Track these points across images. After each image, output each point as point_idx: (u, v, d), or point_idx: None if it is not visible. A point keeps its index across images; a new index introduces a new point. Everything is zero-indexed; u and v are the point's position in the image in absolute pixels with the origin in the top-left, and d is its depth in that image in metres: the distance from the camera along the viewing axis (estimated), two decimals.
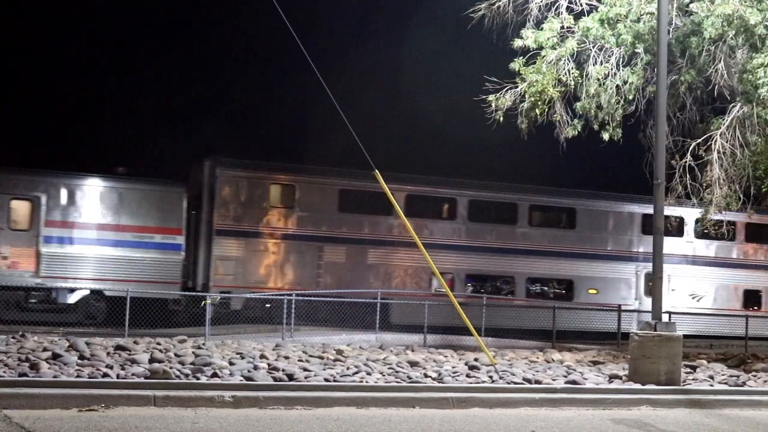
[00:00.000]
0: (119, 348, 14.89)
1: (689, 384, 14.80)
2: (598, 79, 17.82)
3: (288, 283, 26.71)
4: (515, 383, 13.51)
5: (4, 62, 49.98)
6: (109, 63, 51.81)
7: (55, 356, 13.11)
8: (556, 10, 17.91)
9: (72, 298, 25.08)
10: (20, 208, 25.14)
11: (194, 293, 24.27)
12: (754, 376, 16.25)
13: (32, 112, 47.29)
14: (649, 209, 29.25)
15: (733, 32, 16.69)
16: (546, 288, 30.36)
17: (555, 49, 17.72)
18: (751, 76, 16.68)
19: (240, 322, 24.26)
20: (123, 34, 49.85)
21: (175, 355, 14.27)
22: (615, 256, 30.34)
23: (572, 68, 17.86)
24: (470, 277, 29.58)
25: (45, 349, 14.14)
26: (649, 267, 26.79)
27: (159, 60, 51.30)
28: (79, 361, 12.84)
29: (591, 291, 29.87)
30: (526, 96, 17.79)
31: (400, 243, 27.51)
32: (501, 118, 18.04)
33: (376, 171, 14.25)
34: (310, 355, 15.73)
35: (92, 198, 25.71)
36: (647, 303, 27.98)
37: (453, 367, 14.86)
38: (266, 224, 27.05)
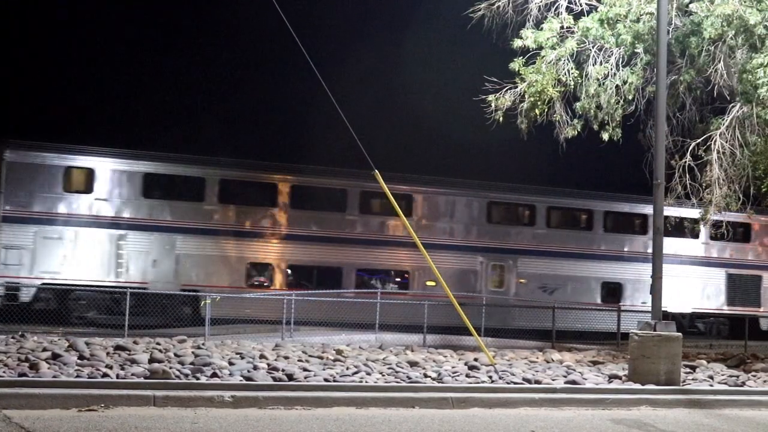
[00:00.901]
0: (119, 348, 14.90)
1: (689, 384, 14.79)
2: (598, 79, 17.83)
3: (83, 274, 25.19)
4: (515, 383, 13.50)
5: None
6: (99, 61, 51.78)
7: (55, 356, 13.12)
8: (555, 10, 17.93)
9: None
10: None
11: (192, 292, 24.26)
12: (754, 376, 16.25)
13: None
14: (503, 197, 29.33)
15: (733, 32, 16.70)
16: (379, 279, 28.57)
17: (555, 49, 17.74)
18: (750, 76, 16.69)
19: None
20: (120, 32, 49.90)
21: (175, 355, 14.27)
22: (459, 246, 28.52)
23: (572, 68, 17.88)
24: (294, 268, 27.72)
25: (45, 349, 14.15)
26: None
27: (158, 59, 51.33)
28: (79, 361, 12.84)
29: (429, 283, 27.95)
30: (526, 96, 17.80)
31: (215, 232, 26.34)
32: (501, 118, 18.06)
33: (376, 171, 14.23)
34: (310, 355, 15.73)
35: None
36: (492, 294, 27.74)
37: (452, 367, 14.86)
38: (61, 210, 25.41)
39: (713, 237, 27.22)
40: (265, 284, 26.95)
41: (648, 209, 28.78)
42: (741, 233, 30.75)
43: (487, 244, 28.99)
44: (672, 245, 27.51)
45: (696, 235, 30.26)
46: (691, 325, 30.68)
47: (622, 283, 30.14)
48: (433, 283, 27.61)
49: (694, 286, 30.82)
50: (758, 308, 30.78)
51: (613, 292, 30.13)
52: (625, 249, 30.37)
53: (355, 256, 27.74)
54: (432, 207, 28.76)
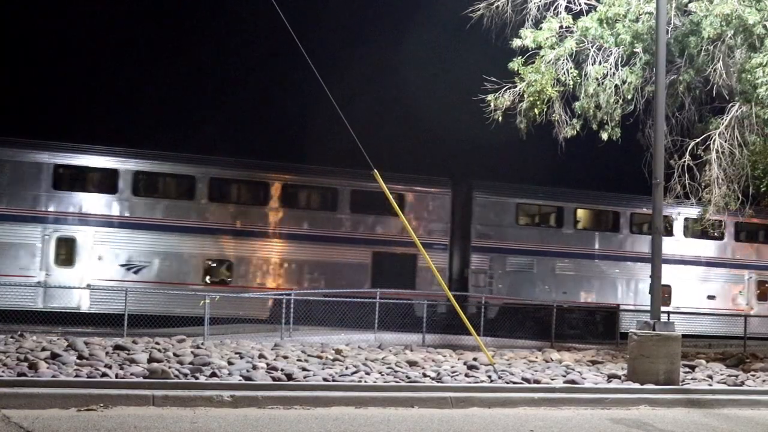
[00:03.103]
0: (118, 348, 14.89)
1: (688, 383, 14.80)
2: (597, 79, 17.83)
3: None
4: (514, 383, 13.50)
5: None
6: (98, 60, 51.76)
7: (54, 356, 13.12)
8: (554, 9, 17.93)
9: None
10: None
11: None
12: (753, 375, 16.26)
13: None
14: (81, 159, 26.21)
15: (732, 32, 16.71)
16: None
17: (554, 48, 17.73)
18: (749, 76, 16.70)
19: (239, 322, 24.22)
20: (119, 31, 49.87)
21: (174, 354, 14.26)
22: (12, 215, 25.47)
23: (571, 68, 17.88)
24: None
25: (44, 349, 14.15)
26: (63, 229, 25.46)
27: (157, 59, 51.30)
28: (78, 361, 12.84)
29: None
30: (525, 96, 17.79)
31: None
32: (500, 118, 18.06)
33: (375, 171, 14.21)
34: (309, 355, 15.73)
35: None
36: (58, 274, 25.14)
37: (452, 367, 14.87)
38: None
39: (355, 209, 27.62)
40: None
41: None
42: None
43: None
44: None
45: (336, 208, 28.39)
46: None
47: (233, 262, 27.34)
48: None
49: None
50: (413, 290, 27.97)
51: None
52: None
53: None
54: None
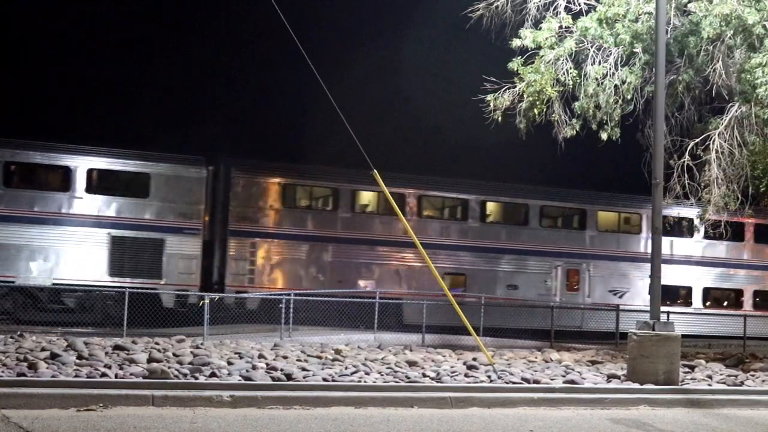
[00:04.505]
0: (117, 348, 14.89)
1: (687, 383, 14.80)
2: (597, 79, 17.83)
3: None
4: (514, 383, 13.50)
5: None
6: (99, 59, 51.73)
7: (54, 356, 13.11)
8: (554, 9, 17.93)
9: None
10: None
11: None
12: (753, 375, 16.26)
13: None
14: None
15: (731, 32, 16.71)
16: None
17: (553, 48, 17.73)
18: (749, 76, 16.70)
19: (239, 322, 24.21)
20: (118, 30, 49.88)
21: (174, 354, 14.26)
22: None
23: (570, 68, 17.88)
24: None
25: (43, 349, 14.14)
26: None
27: (157, 58, 51.30)
28: (78, 361, 12.83)
29: None
30: (525, 96, 17.79)
31: None
32: (500, 118, 18.06)
33: (375, 171, 14.22)
34: (309, 355, 15.73)
35: None
36: None
37: (451, 367, 14.86)
38: None
39: (92, 190, 25.40)
40: None
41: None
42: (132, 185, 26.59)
43: None
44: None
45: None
46: (56, 300, 24.69)
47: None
48: None
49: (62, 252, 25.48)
50: (159, 280, 25.89)
51: None
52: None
53: None
54: None
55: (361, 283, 27.99)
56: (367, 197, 29.07)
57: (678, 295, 31.95)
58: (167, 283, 25.62)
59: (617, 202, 31.83)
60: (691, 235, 30.08)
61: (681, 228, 31.78)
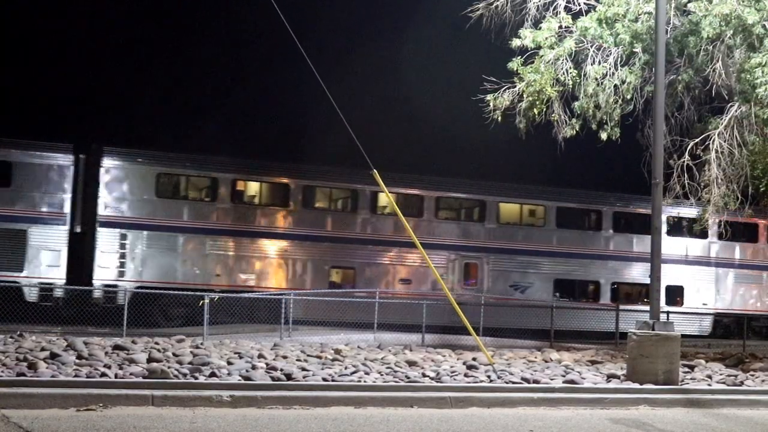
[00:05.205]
0: (117, 347, 14.88)
1: (687, 383, 14.80)
2: (596, 79, 17.84)
3: None
4: (513, 383, 13.50)
5: None
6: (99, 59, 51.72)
7: (53, 356, 13.11)
8: (554, 9, 17.93)
9: None
10: None
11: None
12: (752, 375, 16.26)
13: None
14: None
15: (731, 32, 16.72)
16: None
17: (553, 48, 17.74)
18: (749, 76, 16.71)
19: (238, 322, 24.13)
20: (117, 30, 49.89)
21: (173, 354, 14.26)
22: None
23: (570, 68, 17.88)
24: None
25: (43, 349, 14.13)
26: None
27: (157, 58, 51.30)
28: (77, 361, 12.83)
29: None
30: (524, 95, 17.80)
31: None
32: (499, 118, 18.07)
33: (374, 171, 14.21)
34: (309, 355, 15.73)
35: None
36: None
37: (451, 367, 14.86)
38: None
39: None
40: None
41: None
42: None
43: None
44: None
45: None
46: None
47: None
48: None
49: None
50: (19, 273, 24.88)
51: None
52: None
53: None
54: None
55: (242, 276, 26.89)
56: (254, 188, 27.97)
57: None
58: (29, 275, 24.56)
59: (517, 193, 30.19)
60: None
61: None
